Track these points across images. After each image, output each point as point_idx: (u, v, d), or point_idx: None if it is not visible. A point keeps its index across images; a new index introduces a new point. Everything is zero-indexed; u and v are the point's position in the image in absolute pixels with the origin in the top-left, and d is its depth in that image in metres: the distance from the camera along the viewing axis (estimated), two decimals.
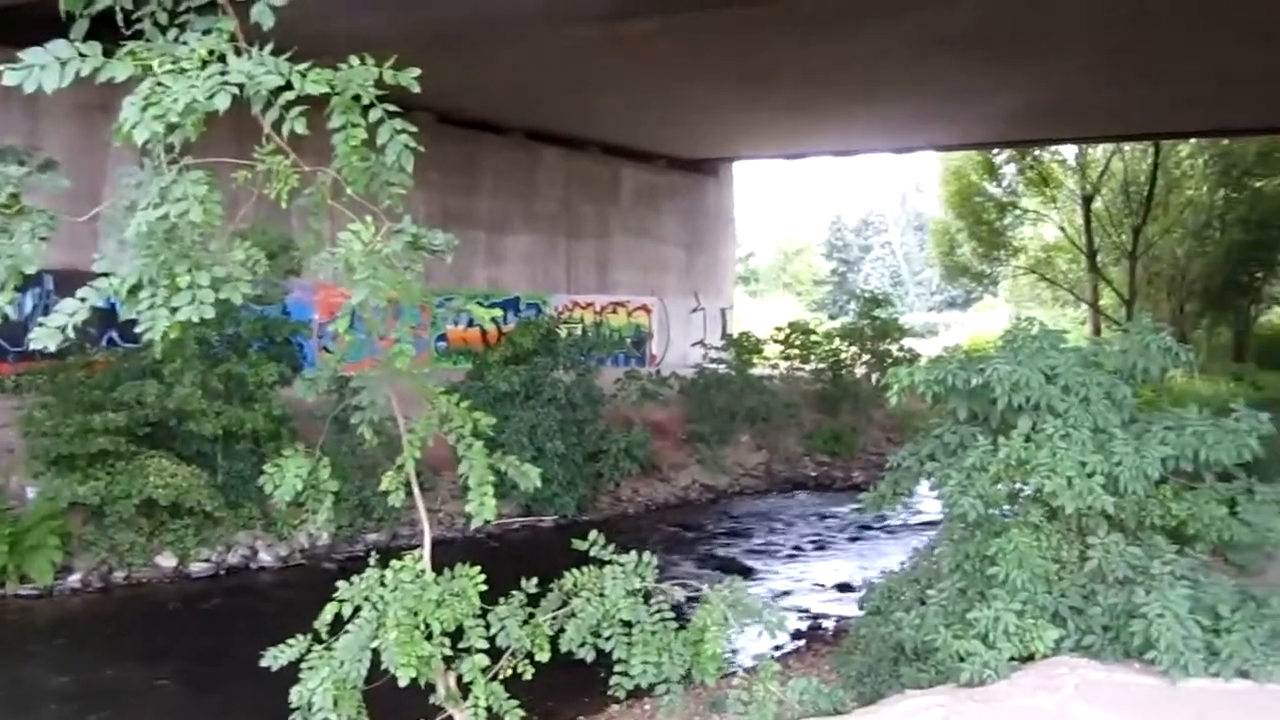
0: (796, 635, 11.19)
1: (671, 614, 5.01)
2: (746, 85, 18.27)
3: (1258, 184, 34.19)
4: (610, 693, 4.96)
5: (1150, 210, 34.06)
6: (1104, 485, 5.20)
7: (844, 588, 12.73)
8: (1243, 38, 14.75)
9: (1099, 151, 34.57)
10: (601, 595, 4.92)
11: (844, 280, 68.38)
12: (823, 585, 13.42)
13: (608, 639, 4.89)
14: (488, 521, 4.62)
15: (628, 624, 4.91)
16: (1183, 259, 35.74)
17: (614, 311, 25.58)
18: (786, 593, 13.14)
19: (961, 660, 4.92)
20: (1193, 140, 32.96)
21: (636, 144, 25.06)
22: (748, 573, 13.98)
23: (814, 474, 21.01)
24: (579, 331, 20.95)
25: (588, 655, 4.88)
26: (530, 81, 17.42)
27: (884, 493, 6.24)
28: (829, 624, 11.44)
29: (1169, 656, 4.71)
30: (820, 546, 15.78)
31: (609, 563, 4.98)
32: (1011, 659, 4.98)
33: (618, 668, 4.87)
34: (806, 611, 12.18)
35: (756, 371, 22.33)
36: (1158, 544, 5.43)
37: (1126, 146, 33.62)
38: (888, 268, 74.23)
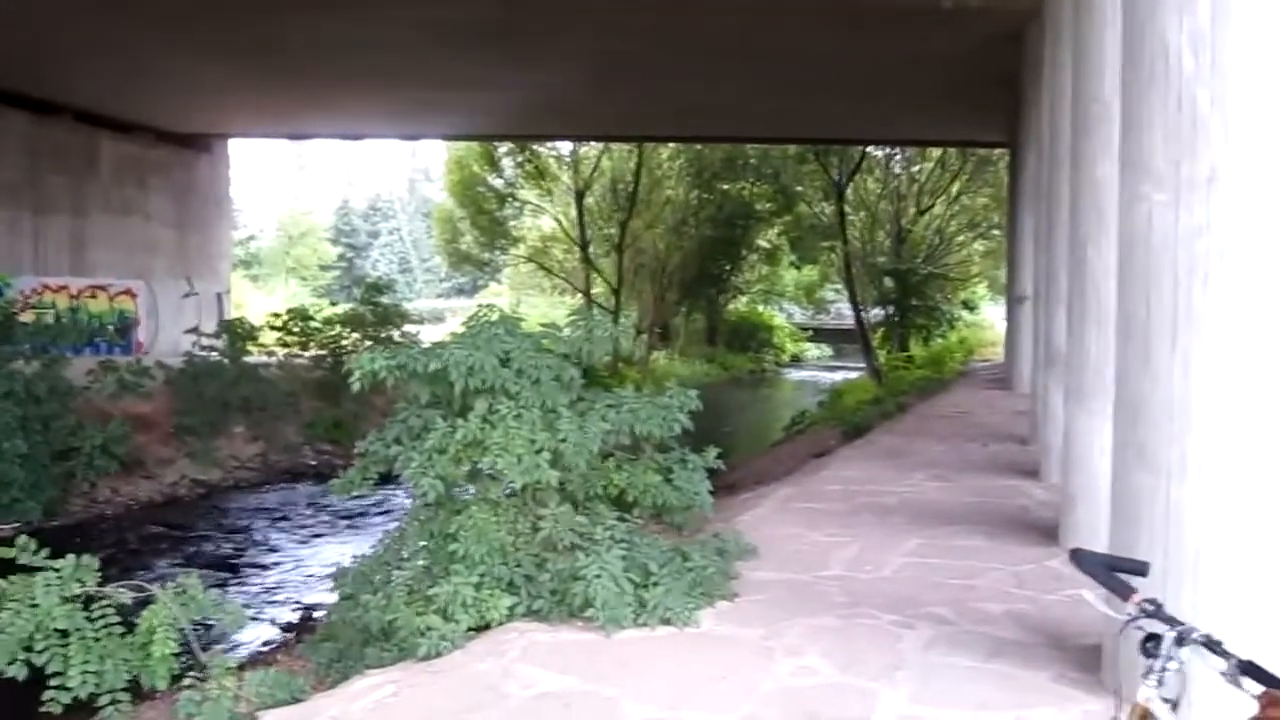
0: (288, 628, 10.99)
1: (118, 619, 4.75)
2: (241, 58, 17.43)
3: (724, 186, 38.34)
4: (46, 709, 4.59)
5: (635, 206, 37.02)
6: (550, 461, 5.63)
7: None
8: (714, 59, 16.54)
9: (591, 149, 36.96)
10: (34, 605, 4.56)
11: (352, 266, 67.54)
12: (318, 575, 13.24)
13: (42, 652, 4.54)
14: None
15: (65, 633, 4.59)
16: (663, 252, 39.21)
17: (94, 296, 23.36)
18: (280, 585, 12.83)
19: (421, 635, 5.10)
20: (671, 144, 36.23)
21: (119, 113, 22.96)
22: (239, 569, 13.49)
23: (314, 463, 20.56)
24: (51, 318, 19.00)
25: (19, 673, 4.50)
26: None
27: (353, 478, 6.29)
28: (321, 614, 11.33)
29: (604, 613, 5.20)
30: (319, 536, 15.52)
31: (41, 569, 4.62)
32: (469, 630, 5.24)
33: (53, 681, 4.53)
34: (299, 603, 11.99)
35: (253, 359, 21.47)
36: (601, 512, 5.98)
37: (615, 146, 36.25)
38: (396, 254, 74.45)
